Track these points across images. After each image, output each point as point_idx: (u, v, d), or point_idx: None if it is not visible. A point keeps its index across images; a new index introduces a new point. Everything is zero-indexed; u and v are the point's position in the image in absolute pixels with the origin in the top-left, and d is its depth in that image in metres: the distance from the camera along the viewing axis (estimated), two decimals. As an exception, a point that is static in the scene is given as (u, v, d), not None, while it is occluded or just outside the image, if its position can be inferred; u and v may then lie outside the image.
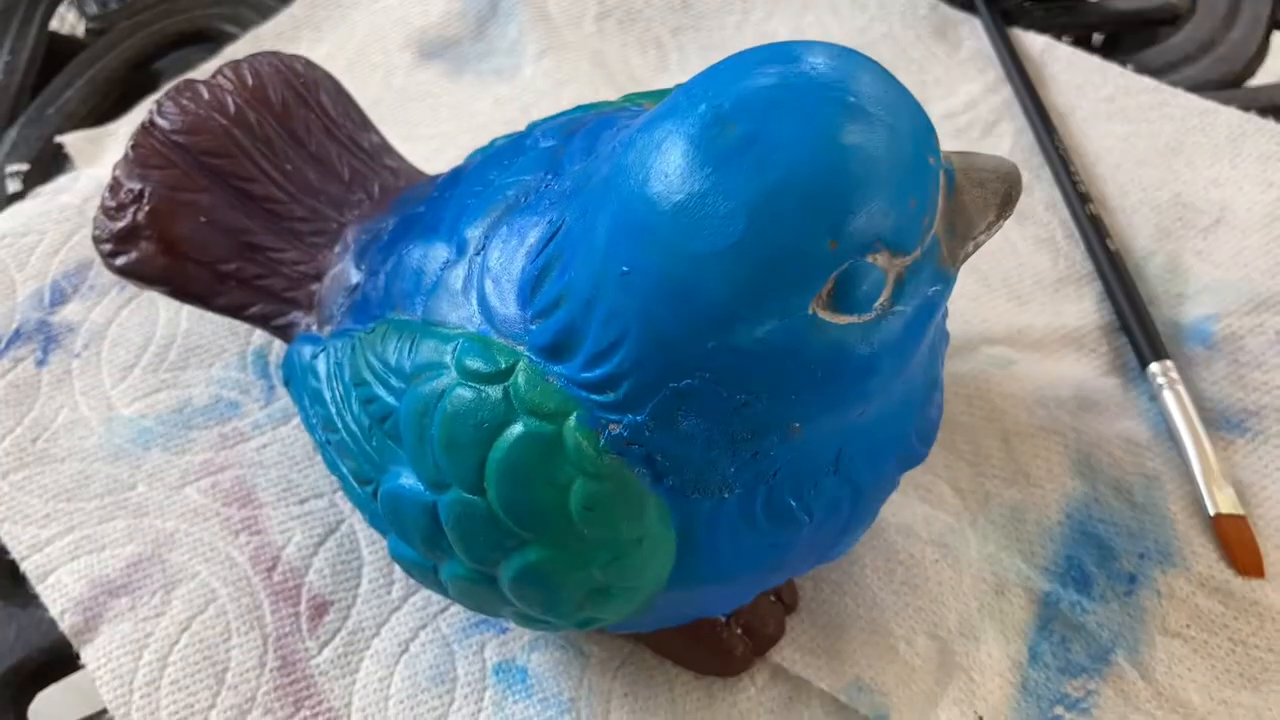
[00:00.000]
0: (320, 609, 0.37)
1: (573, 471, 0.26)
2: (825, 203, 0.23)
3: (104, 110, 0.54)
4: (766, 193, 0.23)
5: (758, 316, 0.24)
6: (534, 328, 0.27)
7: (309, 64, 0.39)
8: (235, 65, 0.38)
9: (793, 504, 0.27)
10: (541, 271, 0.27)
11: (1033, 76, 0.51)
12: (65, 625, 0.37)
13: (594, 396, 0.26)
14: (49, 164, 0.52)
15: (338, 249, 0.37)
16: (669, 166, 0.24)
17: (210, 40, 0.58)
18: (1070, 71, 0.51)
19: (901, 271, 0.24)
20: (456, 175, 0.35)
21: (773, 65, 0.24)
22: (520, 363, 0.27)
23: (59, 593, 0.38)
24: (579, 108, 0.34)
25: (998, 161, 0.26)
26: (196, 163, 0.36)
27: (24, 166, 0.51)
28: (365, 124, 0.40)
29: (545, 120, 0.34)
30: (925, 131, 0.24)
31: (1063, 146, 0.48)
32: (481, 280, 0.29)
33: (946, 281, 0.26)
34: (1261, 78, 0.52)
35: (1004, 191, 0.25)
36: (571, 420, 0.26)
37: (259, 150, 0.37)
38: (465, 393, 0.27)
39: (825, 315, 0.24)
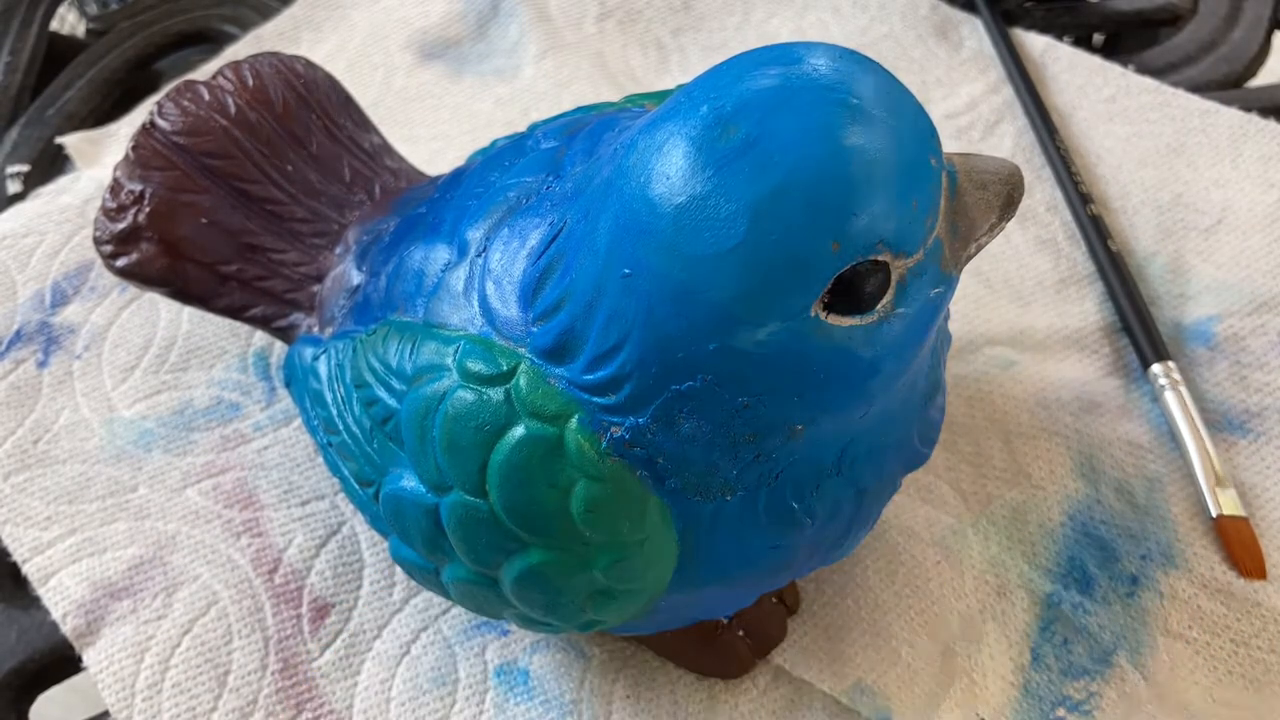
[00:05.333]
0: (322, 611, 0.37)
1: (574, 474, 0.26)
2: (827, 204, 0.23)
3: (104, 111, 0.54)
4: (768, 194, 0.23)
5: (760, 318, 0.24)
6: (535, 330, 0.27)
7: (309, 65, 0.39)
8: (236, 66, 0.38)
9: (795, 506, 0.27)
10: (543, 274, 0.27)
11: (1034, 77, 0.51)
12: (67, 628, 0.37)
13: (595, 399, 0.26)
14: (49, 165, 0.52)
15: (339, 250, 0.37)
16: (670, 168, 0.24)
17: (211, 41, 0.57)
18: (1071, 72, 0.51)
19: (904, 273, 0.24)
20: (457, 176, 0.35)
21: (774, 66, 0.24)
22: (522, 365, 0.27)
23: (61, 595, 0.38)
24: (580, 109, 0.34)
25: (1000, 163, 0.26)
26: (197, 164, 0.36)
27: (24, 167, 0.51)
28: (366, 125, 0.40)
29: (546, 121, 0.34)
30: (927, 133, 0.24)
31: (1064, 147, 0.48)
32: (483, 282, 0.29)
33: (949, 283, 0.26)
34: (1263, 78, 0.52)
35: (1006, 193, 0.25)
36: (573, 423, 0.26)
37: (260, 151, 0.37)
38: (467, 395, 0.27)
39: (827, 318, 0.24)
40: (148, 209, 0.36)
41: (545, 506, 0.26)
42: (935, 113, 0.50)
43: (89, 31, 0.58)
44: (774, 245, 0.23)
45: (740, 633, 0.35)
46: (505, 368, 0.27)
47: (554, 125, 0.33)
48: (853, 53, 0.25)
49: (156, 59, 0.57)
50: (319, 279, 0.37)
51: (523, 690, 0.35)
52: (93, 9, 0.60)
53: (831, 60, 0.24)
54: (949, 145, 0.48)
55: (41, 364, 0.44)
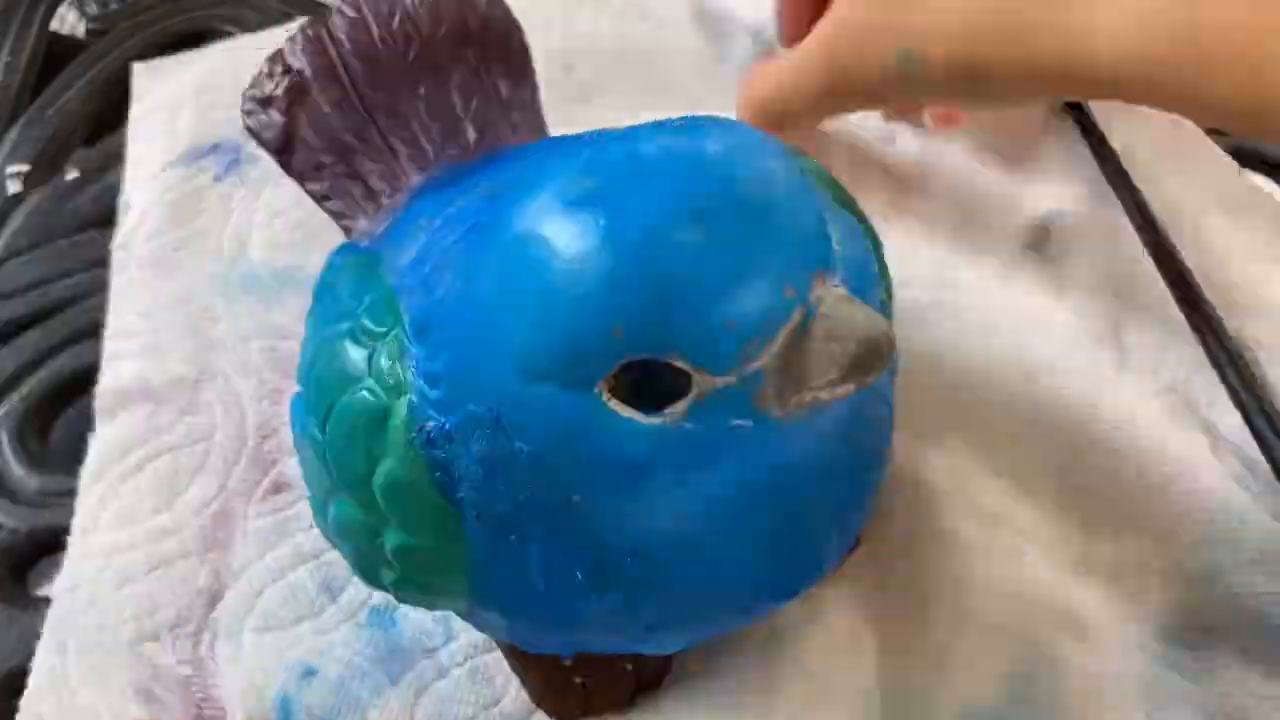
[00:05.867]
0: (279, 488, 0.40)
1: (387, 449, 0.26)
2: (622, 287, 0.22)
3: (104, 110, 0.55)
4: (581, 255, 0.22)
5: (545, 374, 0.23)
6: (413, 303, 0.27)
7: (494, 2, 0.40)
8: None
9: (577, 575, 0.26)
10: (431, 257, 0.28)
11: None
12: (97, 403, 0.42)
13: (425, 387, 0.26)
14: (49, 165, 0.52)
15: (417, 180, 0.37)
16: (528, 200, 0.24)
17: (211, 41, 0.58)
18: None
19: (705, 390, 0.23)
20: (515, 153, 0.36)
21: (670, 135, 0.23)
22: (395, 331, 0.27)
23: (113, 376, 0.43)
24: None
25: (868, 323, 0.23)
26: (343, 61, 0.38)
27: (24, 167, 0.52)
28: (520, 75, 0.40)
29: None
30: (792, 258, 0.23)
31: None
32: (428, 243, 0.29)
33: (761, 422, 0.24)
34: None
35: (854, 354, 0.23)
36: (402, 401, 0.26)
37: (401, 71, 0.38)
38: (352, 342, 0.28)
39: (608, 401, 0.23)
40: (287, 83, 0.39)
41: (356, 467, 0.27)
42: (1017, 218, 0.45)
43: (89, 31, 0.59)
44: (570, 308, 0.22)
45: (579, 680, 0.34)
46: (385, 329, 0.27)
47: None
48: (767, 141, 0.24)
49: (156, 59, 0.58)
50: (390, 197, 0.38)
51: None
52: (93, 9, 0.61)
53: (730, 143, 0.23)
54: (1029, 255, 0.45)
55: (217, 178, 0.49)
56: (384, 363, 0.27)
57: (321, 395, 0.28)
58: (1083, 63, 0.29)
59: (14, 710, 0.37)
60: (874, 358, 0.23)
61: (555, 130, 0.39)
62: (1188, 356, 0.40)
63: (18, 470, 0.42)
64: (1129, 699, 0.34)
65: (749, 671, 0.34)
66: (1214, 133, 0.46)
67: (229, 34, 0.57)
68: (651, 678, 0.35)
